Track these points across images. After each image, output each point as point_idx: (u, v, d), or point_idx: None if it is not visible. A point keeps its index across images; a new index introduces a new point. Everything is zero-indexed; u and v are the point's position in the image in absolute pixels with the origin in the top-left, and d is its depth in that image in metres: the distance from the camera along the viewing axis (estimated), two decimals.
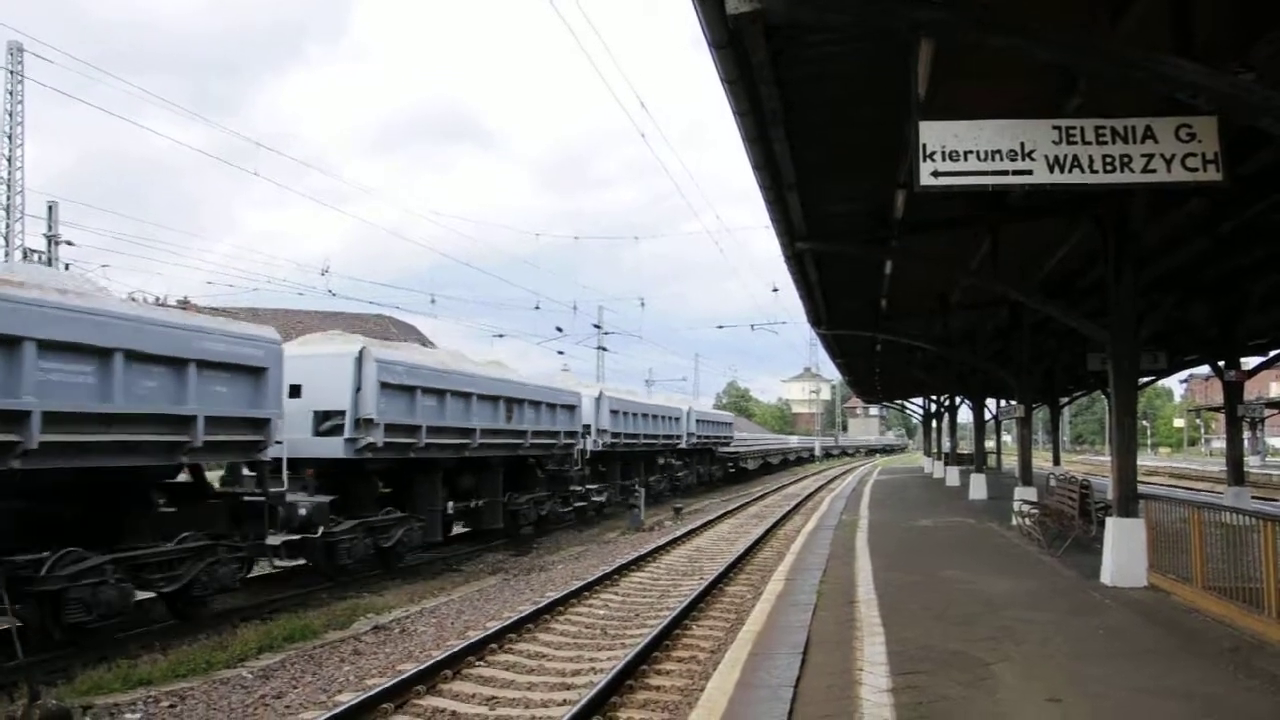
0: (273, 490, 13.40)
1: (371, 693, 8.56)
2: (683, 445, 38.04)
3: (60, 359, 9.70)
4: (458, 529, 21.50)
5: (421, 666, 9.47)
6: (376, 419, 15.42)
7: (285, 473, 13.68)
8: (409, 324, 57.75)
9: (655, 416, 34.22)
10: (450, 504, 19.41)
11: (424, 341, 49.49)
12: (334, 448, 15.24)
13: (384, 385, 15.69)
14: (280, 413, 13.18)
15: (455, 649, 10.25)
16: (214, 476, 14.39)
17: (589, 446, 26.87)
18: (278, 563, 15.07)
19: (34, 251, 32.93)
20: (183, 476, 12.93)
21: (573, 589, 14.20)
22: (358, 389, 15.37)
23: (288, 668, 10.31)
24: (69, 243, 32.37)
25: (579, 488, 25.66)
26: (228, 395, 12.16)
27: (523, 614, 12.22)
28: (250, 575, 14.11)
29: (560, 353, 47.92)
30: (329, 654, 10.97)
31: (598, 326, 52.65)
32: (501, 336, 59.40)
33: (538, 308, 43.94)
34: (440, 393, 17.40)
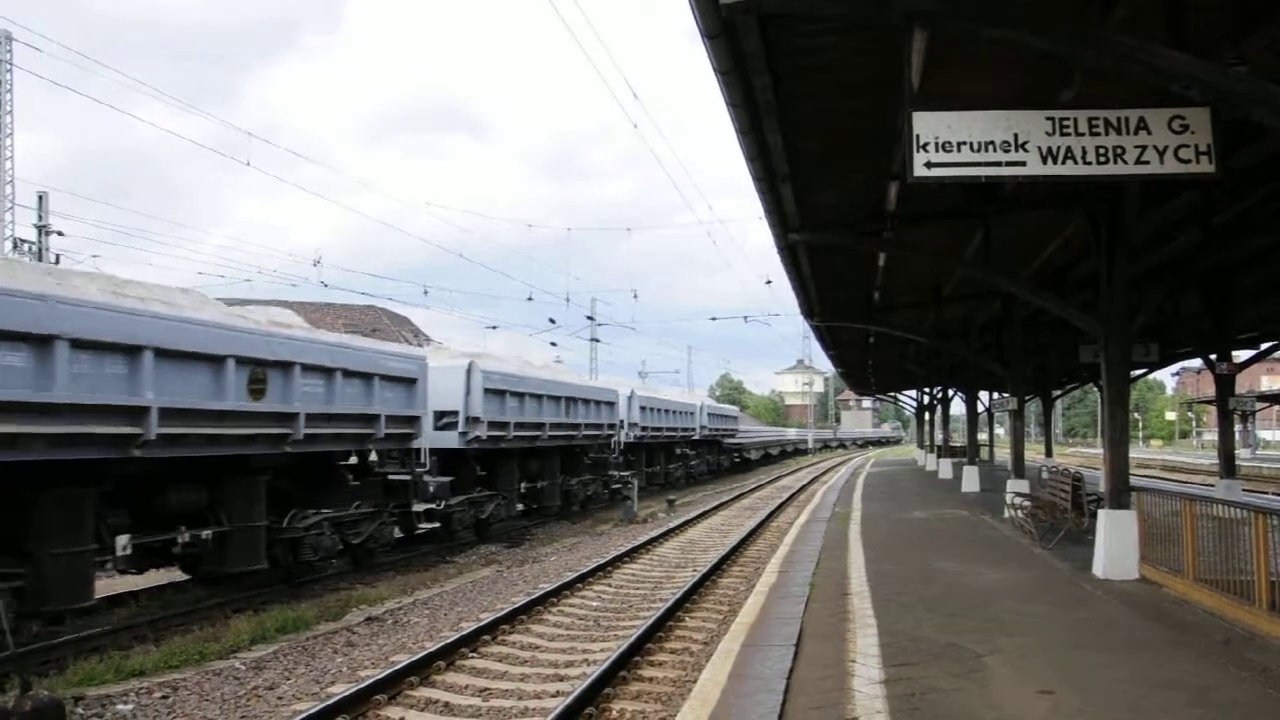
0: (416, 470, 17.34)
1: (364, 684, 8.55)
2: (696, 437, 42.19)
3: (310, 377, 13.74)
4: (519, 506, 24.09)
5: (414, 658, 9.47)
6: (482, 417, 19.55)
7: (427, 458, 17.76)
8: (402, 315, 57.53)
9: (675, 411, 38.59)
10: (523, 484, 23.31)
11: (417, 332, 49.39)
12: (450, 439, 19.11)
13: (486, 390, 19.80)
14: (427, 412, 17.15)
15: (448, 640, 10.25)
16: None
17: (622, 438, 30.94)
18: (421, 526, 18.08)
19: (24, 241, 32.73)
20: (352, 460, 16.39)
21: (566, 580, 14.21)
22: (467, 393, 19.41)
23: (280, 659, 10.30)
24: (59, 233, 32.15)
25: (615, 473, 29.81)
26: (395, 399, 15.93)
27: (516, 605, 12.23)
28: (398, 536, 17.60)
29: (553, 344, 48.05)
30: (322, 645, 10.96)
31: (591, 318, 52.65)
32: (495, 328, 59.42)
33: (531, 299, 44.06)
34: (521, 395, 21.80)
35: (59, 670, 9.50)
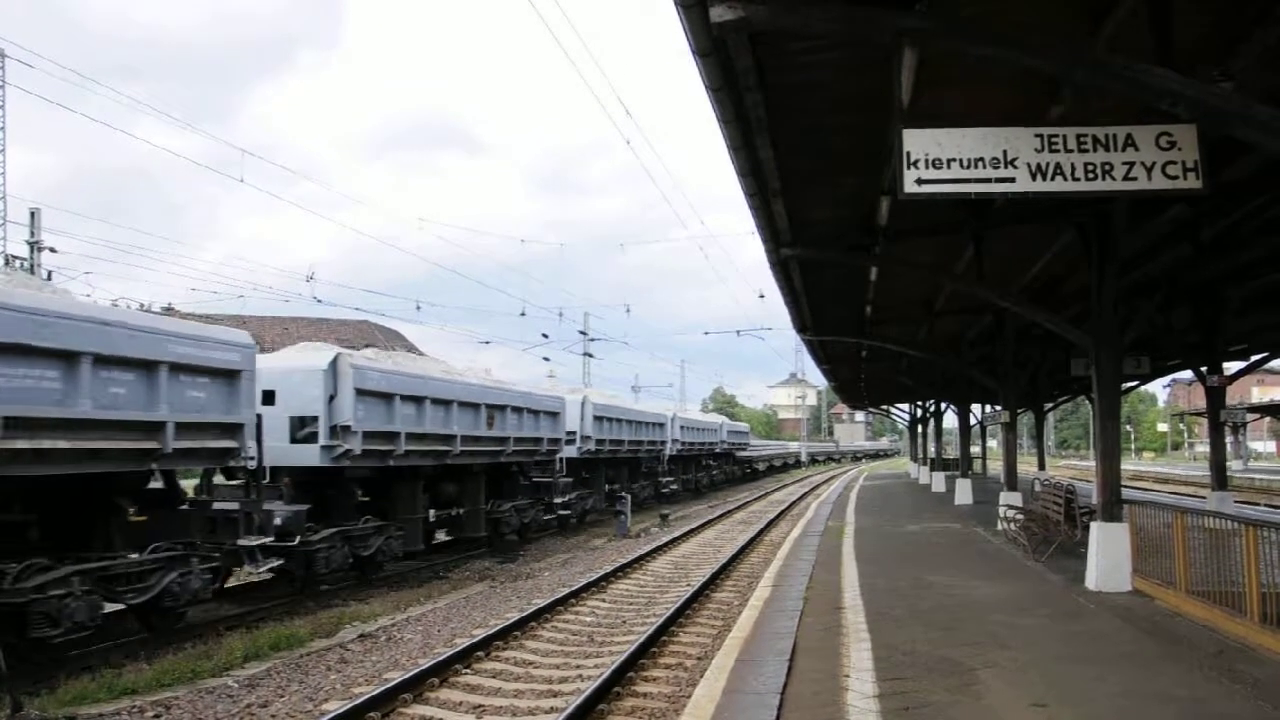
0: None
1: (358, 701, 8.53)
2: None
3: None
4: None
5: (408, 674, 9.44)
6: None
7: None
8: (394, 330, 57.50)
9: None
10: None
11: (410, 348, 49.28)
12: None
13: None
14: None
15: (442, 657, 10.22)
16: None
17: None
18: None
19: (15, 258, 32.68)
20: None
21: (559, 596, 14.18)
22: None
23: (274, 676, 10.26)
24: (52, 249, 32.12)
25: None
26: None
27: (510, 621, 12.20)
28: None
29: (546, 359, 47.98)
30: (315, 662, 10.92)
31: (583, 333, 52.64)
32: (488, 343, 59.31)
33: (524, 314, 43.99)
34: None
35: (51, 689, 9.43)
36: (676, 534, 24.17)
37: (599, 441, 28.73)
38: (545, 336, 46.63)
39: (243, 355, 12.64)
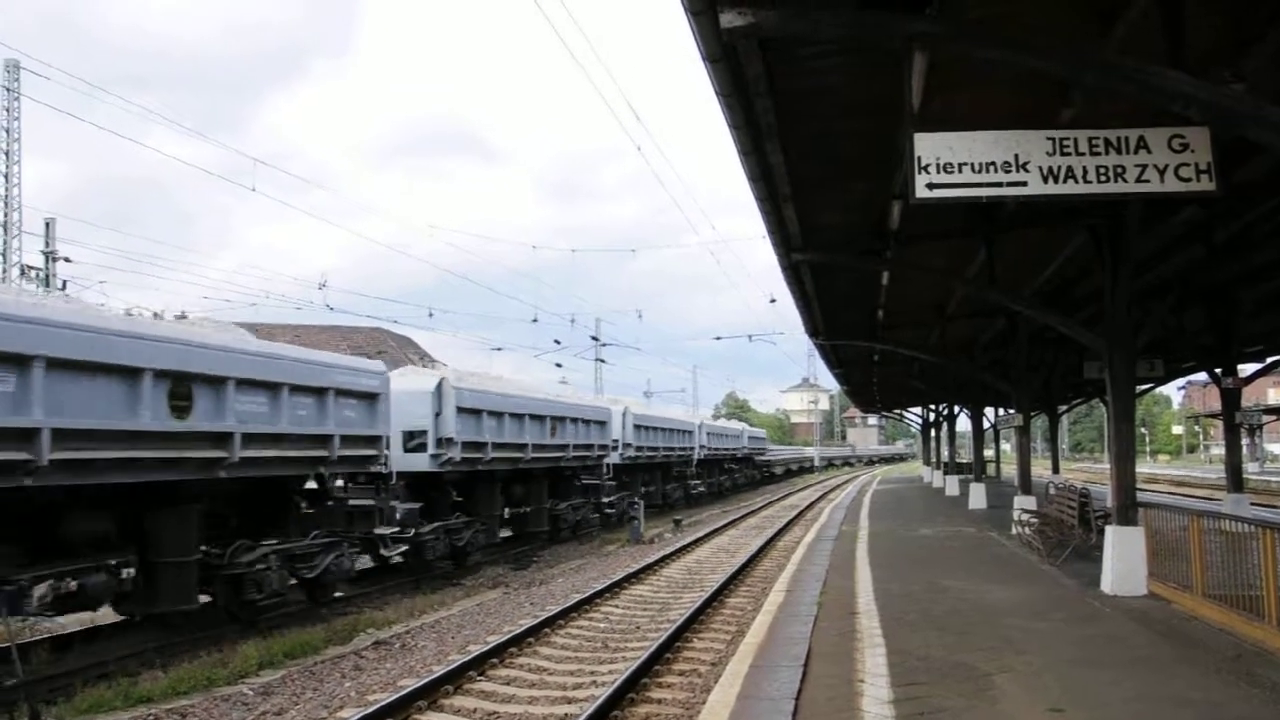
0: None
1: (372, 709, 8.54)
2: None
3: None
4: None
5: (422, 682, 9.45)
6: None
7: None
8: (406, 337, 57.64)
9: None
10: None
11: (422, 355, 49.50)
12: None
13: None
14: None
15: (456, 664, 10.23)
16: None
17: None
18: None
19: (31, 268, 32.90)
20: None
21: (573, 602, 14.18)
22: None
23: (288, 684, 10.29)
24: (66, 259, 32.32)
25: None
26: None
27: (523, 628, 12.20)
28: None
29: (558, 365, 48.01)
30: (330, 670, 10.95)
31: (595, 339, 52.68)
32: (500, 349, 59.21)
33: (535, 320, 44.05)
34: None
35: (67, 698, 9.49)
36: (690, 539, 24.15)
37: (638, 448, 31.86)
38: (557, 343, 46.65)
39: (380, 381, 15.57)
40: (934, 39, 7.18)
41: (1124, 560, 11.63)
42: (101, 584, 10.51)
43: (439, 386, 18.41)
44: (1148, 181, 7.60)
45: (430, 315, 58.52)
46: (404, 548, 17.07)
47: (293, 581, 13.90)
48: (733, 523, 30.33)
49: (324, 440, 13.81)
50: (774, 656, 8.98)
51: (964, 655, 8.49)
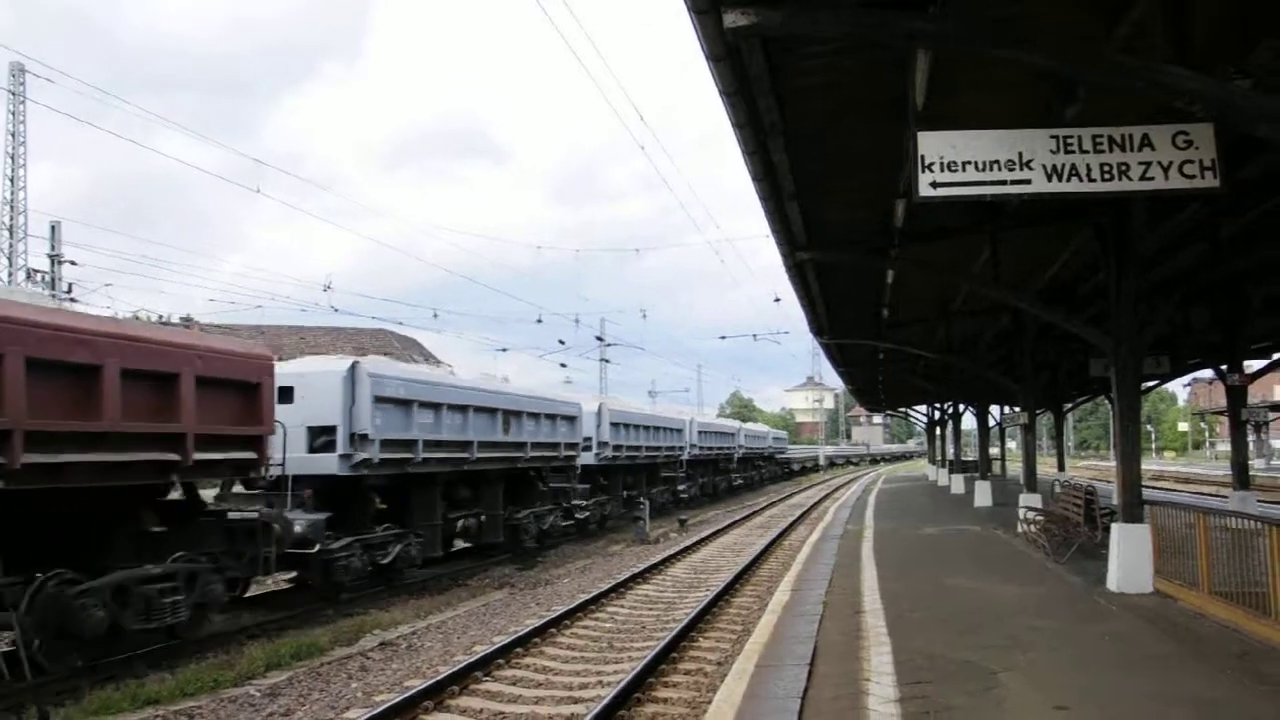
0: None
1: (379, 709, 8.56)
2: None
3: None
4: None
5: (429, 682, 9.47)
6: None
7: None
8: (411, 338, 57.73)
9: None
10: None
11: (427, 356, 49.54)
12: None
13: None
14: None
15: (462, 665, 10.25)
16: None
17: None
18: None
19: (36, 271, 33.03)
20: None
21: (578, 603, 14.20)
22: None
23: (295, 685, 10.30)
24: (72, 262, 32.46)
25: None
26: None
27: (529, 628, 12.22)
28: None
29: (563, 365, 48.02)
30: (336, 671, 10.96)
31: (600, 339, 52.69)
32: (505, 350, 59.33)
33: (540, 321, 44.03)
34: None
35: (75, 699, 9.52)
36: (695, 539, 24.15)
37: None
38: (562, 343, 46.62)
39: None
40: (936, 38, 7.18)
41: (1130, 558, 11.62)
42: None
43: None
44: (1152, 179, 7.60)
45: (435, 316, 58.57)
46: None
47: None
48: (737, 522, 30.33)
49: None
50: (780, 656, 8.99)
51: (970, 654, 8.48)
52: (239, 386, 12.01)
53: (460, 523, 19.45)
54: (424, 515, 17.73)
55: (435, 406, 17.25)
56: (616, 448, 28.58)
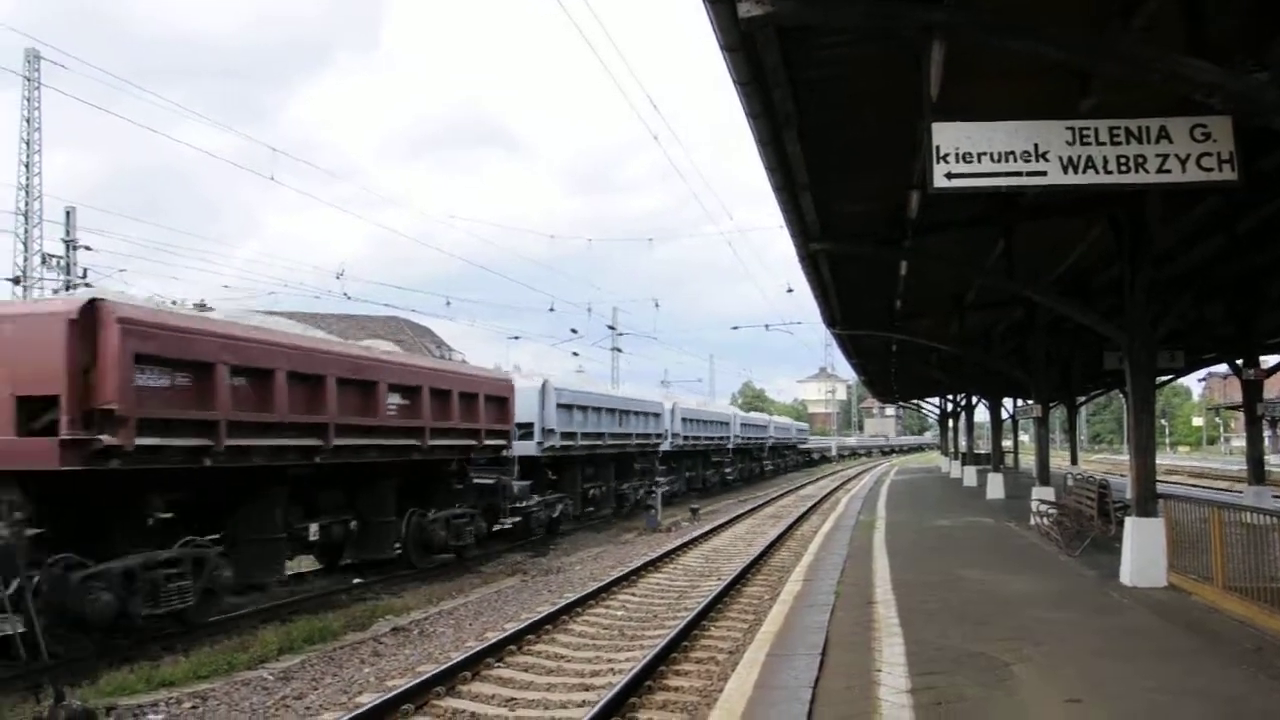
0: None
1: (391, 694, 8.63)
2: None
3: None
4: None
5: (441, 668, 9.53)
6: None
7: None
8: (425, 326, 57.86)
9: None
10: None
11: (439, 344, 49.52)
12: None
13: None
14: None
15: (474, 650, 10.31)
16: None
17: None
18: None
19: (52, 256, 33.16)
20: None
21: (590, 590, 14.25)
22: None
23: (308, 669, 10.38)
24: (87, 248, 32.58)
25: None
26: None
27: (541, 615, 12.28)
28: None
29: (575, 354, 48.06)
30: (349, 655, 11.04)
31: (612, 328, 52.69)
32: (517, 339, 59.34)
33: (553, 310, 44.09)
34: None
35: (91, 681, 9.61)
36: (707, 528, 24.19)
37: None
38: (574, 331, 46.71)
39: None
40: (950, 28, 7.15)
41: (1143, 552, 11.59)
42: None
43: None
44: (1169, 171, 7.56)
45: (448, 304, 58.57)
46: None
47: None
48: (750, 512, 30.35)
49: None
50: (791, 645, 9.02)
51: (982, 645, 8.49)
52: (499, 400, 19.03)
53: (590, 492, 26.47)
54: (572, 485, 24.75)
55: (584, 408, 24.57)
56: (684, 438, 35.03)
